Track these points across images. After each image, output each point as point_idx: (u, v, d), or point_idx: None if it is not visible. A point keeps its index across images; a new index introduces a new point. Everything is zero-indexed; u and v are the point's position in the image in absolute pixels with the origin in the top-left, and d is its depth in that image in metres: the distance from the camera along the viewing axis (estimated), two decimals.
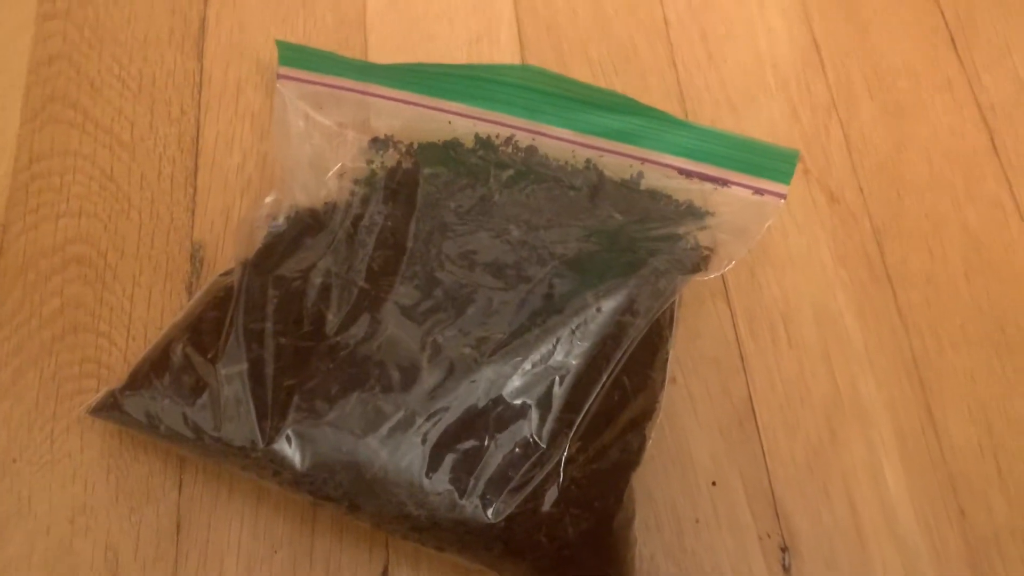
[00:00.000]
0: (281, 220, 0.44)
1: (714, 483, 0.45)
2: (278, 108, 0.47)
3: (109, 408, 0.41)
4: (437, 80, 0.46)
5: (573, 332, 0.40)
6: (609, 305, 0.40)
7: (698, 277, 0.44)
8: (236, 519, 0.43)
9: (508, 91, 0.46)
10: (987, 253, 0.52)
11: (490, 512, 0.37)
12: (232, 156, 0.51)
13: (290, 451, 0.37)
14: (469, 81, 0.45)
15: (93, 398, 0.42)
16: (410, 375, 0.39)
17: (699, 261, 0.44)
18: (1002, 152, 0.55)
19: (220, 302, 0.42)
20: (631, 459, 0.41)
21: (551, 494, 0.37)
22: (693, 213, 0.46)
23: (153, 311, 0.47)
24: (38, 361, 0.45)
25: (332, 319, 0.40)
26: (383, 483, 0.37)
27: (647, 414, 0.42)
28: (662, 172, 0.46)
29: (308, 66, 0.47)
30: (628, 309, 0.41)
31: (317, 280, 0.41)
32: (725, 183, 0.46)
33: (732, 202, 0.46)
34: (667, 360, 0.43)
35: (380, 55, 0.54)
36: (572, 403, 0.39)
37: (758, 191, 0.46)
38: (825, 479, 0.46)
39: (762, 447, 0.46)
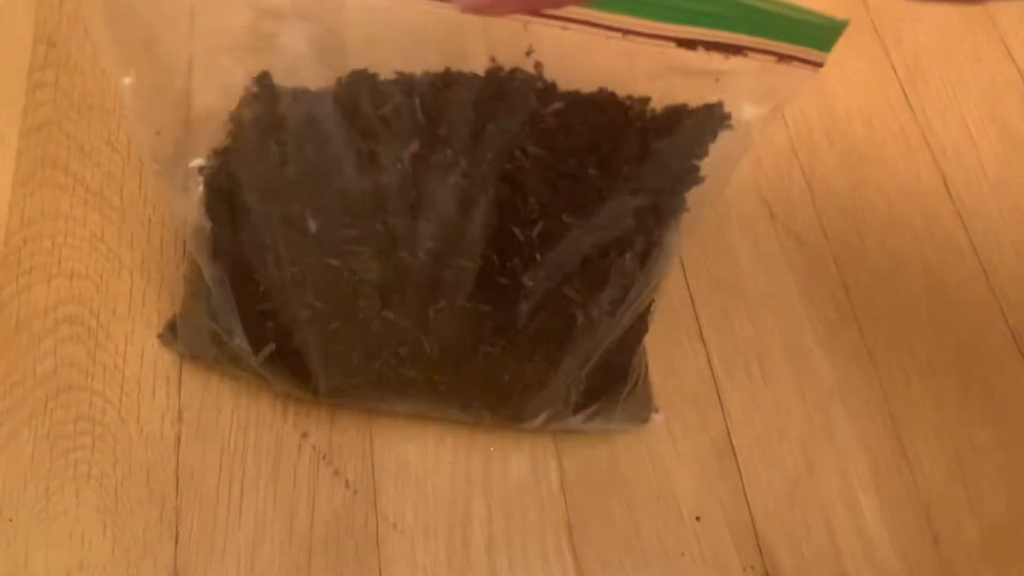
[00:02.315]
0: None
1: (698, 518, 0.47)
2: None
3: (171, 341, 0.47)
4: None
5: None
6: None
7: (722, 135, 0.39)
8: (232, 568, 0.43)
9: None
10: (946, 288, 0.54)
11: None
12: None
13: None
14: None
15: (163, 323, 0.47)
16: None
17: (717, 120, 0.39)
18: (955, 193, 0.58)
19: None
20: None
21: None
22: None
23: (146, 368, 0.48)
24: (32, 420, 0.46)
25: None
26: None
27: None
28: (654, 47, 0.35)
29: None
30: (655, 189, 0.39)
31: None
32: (739, 50, 0.35)
33: (747, 70, 0.36)
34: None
35: None
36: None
37: (783, 58, 0.36)
38: (804, 511, 0.47)
39: (742, 481, 0.48)
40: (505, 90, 0.38)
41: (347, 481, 0.46)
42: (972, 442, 0.50)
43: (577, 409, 0.44)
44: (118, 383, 0.47)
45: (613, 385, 0.44)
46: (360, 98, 0.37)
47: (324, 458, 0.46)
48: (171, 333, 0.47)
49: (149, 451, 0.46)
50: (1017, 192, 0.59)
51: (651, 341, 0.50)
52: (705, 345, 0.51)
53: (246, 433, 0.47)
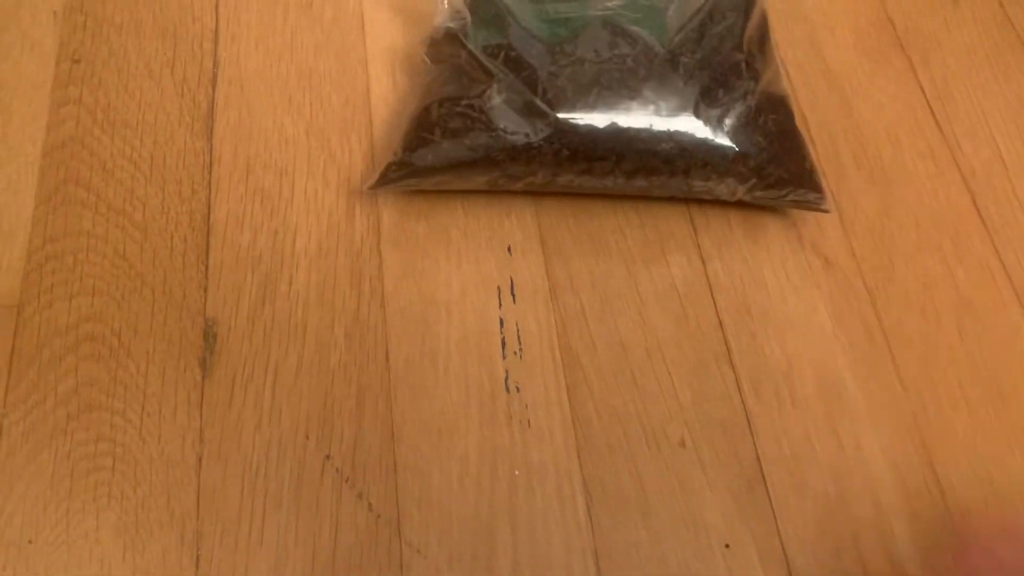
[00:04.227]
0: (441, 20, 0.54)
1: (727, 545, 0.46)
2: None
3: (395, 175, 0.51)
4: None
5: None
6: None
7: None
8: None
9: None
10: (978, 312, 0.53)
11: (726, 128, 0.50)
12: (243, 234, 0.52)
13: (569, 125, 0.49)
14: None
15: (371, 178, 0.52)
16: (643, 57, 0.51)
17: None
18: (985, 215, 0.57)
19: (448, 77, 0.52)
20: (782, 93, 0.54)
21: (753, 105, 0.51)
22: None
23: (167, 388, 0.47)
24: (53, 440, 0.45)
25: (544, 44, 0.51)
26: (643, 133, 0.50)
27: (776, 70, 0.55)
28: None
29: None
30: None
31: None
32: None
33: None
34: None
35: (384, 136, 0.56)
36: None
37: None
38: (836, 539, 0.46)
39: (772, 509, 0.47)
40: None
41: (370, 504, 0.45)
42: (1008, 472, 0.48)
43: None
44: (139, 403, 0.47)
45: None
46: None
47: (347, 481, 0.45)
48: (396, 172, 0.51)
49: (170, 472, 0.45)
50: None
51: (678, 367, 0.50)
52: (734, 370, 0.50)
53: (268, 454, 0.46)
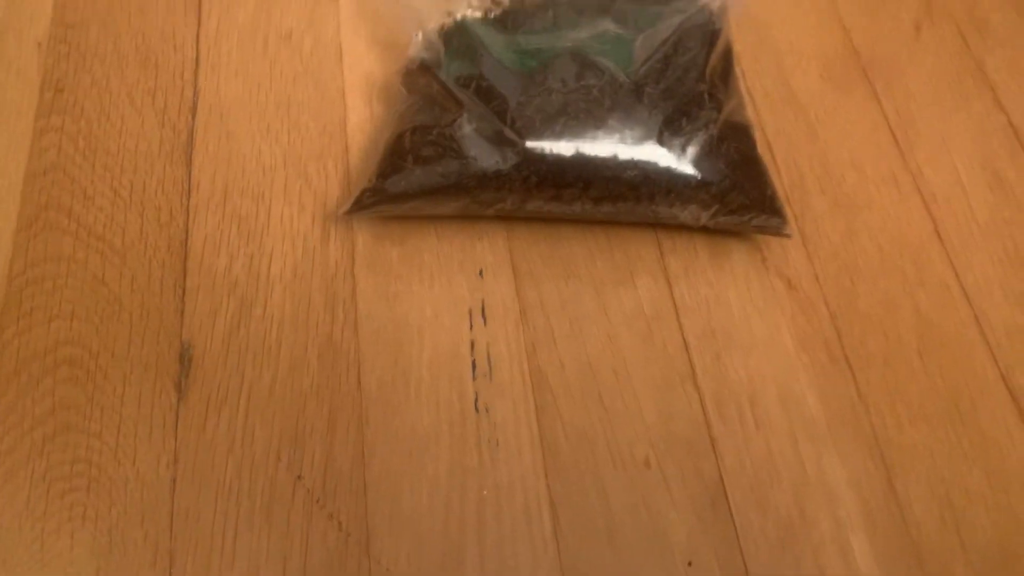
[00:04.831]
0: (416, 50, 0.56)
1: (690, 563, 0.47)
2: None
3: (369, 201, 0.52)
4: None
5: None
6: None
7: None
8: None
9: None
10: (938, 333, 0.55)
11: (689, 156, 0.52)
12: (220, 258, 0.53)
13: (536, 154, 0.51)
14: None
15: (346, 203, 0.53)
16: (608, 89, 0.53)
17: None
18: (945, 238, 0.59)
19: (421, 107, 0.54)
20: (745, 122, 0.56)
21: (715, 134, 0.53)
22: None
23: (143, 410, 0.48)
24: (29, 462, 0.46)
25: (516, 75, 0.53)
26: (608, 161, 0.51)
27: (740, 100, 0.57)
28: None
29: None
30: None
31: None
32: None
33: None
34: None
35: (360, 164, 0.57)
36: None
37: None
38: (797, 556, 0.47)
39: (735, 526, 0.48)
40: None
41: (340, 524, 0.46)
42: (966, 489, 0.50)
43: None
44: (115, 425, 0.48)
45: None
46: None
47: (318, 501, 0.46)
48: (369, 198, 0.52)
49: (144, 493, 0.46)
50: (1007, 238, 0.59)
51: (645, 387, 0.51)
52: (699, 391, 0.52)
53: (240, 475, 0.47)
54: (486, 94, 0.52)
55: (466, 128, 0.51)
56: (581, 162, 0.51)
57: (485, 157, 0.51)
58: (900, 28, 0.70)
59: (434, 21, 0.57)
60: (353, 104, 0.60)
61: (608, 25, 0.56)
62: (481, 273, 0.54)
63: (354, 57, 0.62)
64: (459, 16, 0.57)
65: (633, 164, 0.51)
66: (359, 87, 0.61)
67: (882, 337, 0.54)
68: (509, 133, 0.51)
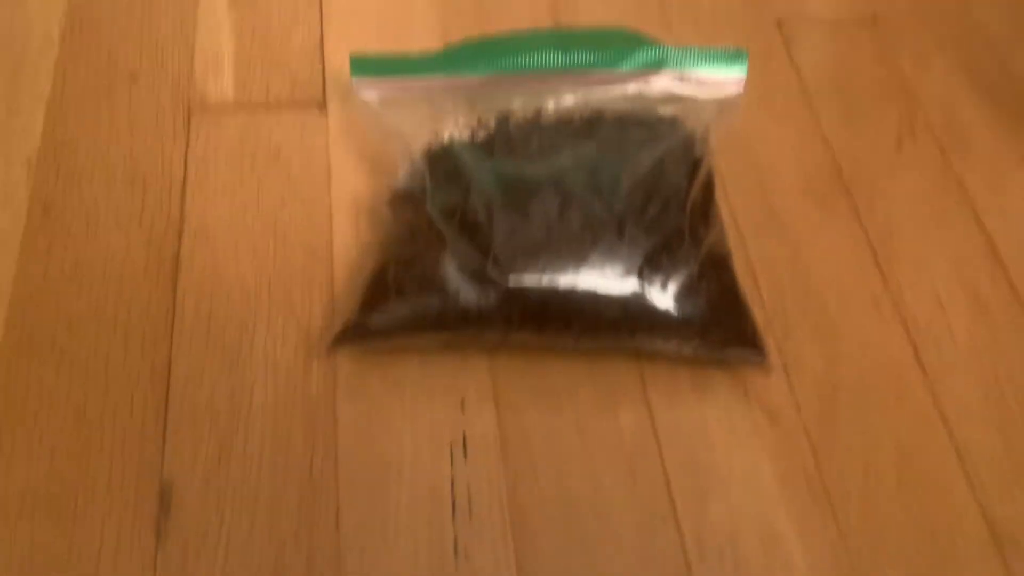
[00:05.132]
0: (403, 176, 0.58)
1: None
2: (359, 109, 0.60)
3: (351, 337, 0.53)
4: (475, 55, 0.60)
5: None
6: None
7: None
8: None
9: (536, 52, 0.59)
10: (918, 465, 0.55)
11: (669, 292, 0.52)
12: (202, 389, 0.53)
13: (519, 292, 0.51)
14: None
15: (328, 335, 0.54)
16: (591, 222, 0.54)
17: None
18: (927, 365, 0.59)
19: (406, 239, 0.55)
20: (725, 253, 0.57)
21: (695, 270, 0.53)
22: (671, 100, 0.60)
23: (122, 552, 0.48)
24: None
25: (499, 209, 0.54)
26: (590, 298, 0.52)
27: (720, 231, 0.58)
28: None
29: (377, 71, 0.60)
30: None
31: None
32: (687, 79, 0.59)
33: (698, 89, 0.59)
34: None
35: (344, 290, 0.58)
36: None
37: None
38: None
39: None
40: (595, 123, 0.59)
41: None
42: None
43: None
44: (93, 565, 0.48)
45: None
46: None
47: None
48: (351, 333, 0.53)
49: None
50: (987, 363, 0.60)
51: (626, 526, 0.51)
52: (679, 528, 0.52)
53: None
54: (470, 228, 0.53)
55: (448, 266, 0.52)
56: (563, 300, 0.52)
57: (467, 295, 0.51)
58: (882, 143, 0.71)
59: (422, 139, 0.58)
60: (340, 225, 0.61)
61: (591, 152, 0.57)
62: (463, 403, 0.54)
63: (342, 175, 0.63)
64: (446, 136, 0.58)
65: (614, 301, 0.52)
66: (346, 207, 0.61)
67: (861, 470, 0.55)
68: (492, 272, 0.51)
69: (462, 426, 0.54)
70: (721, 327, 0.53)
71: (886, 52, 0.76)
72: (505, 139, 0.58)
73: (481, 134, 0.58)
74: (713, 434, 0.55)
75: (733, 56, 0.60)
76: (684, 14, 0.76)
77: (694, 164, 0.57)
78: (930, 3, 0.80)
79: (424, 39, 0.72)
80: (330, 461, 0.52)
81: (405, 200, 0.56)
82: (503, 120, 0.58)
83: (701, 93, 0.59)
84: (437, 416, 0.54)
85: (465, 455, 0.53)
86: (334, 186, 0.62)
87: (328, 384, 0.54)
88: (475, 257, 0.52)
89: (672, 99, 0.59)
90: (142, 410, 0.52)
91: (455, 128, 0.58)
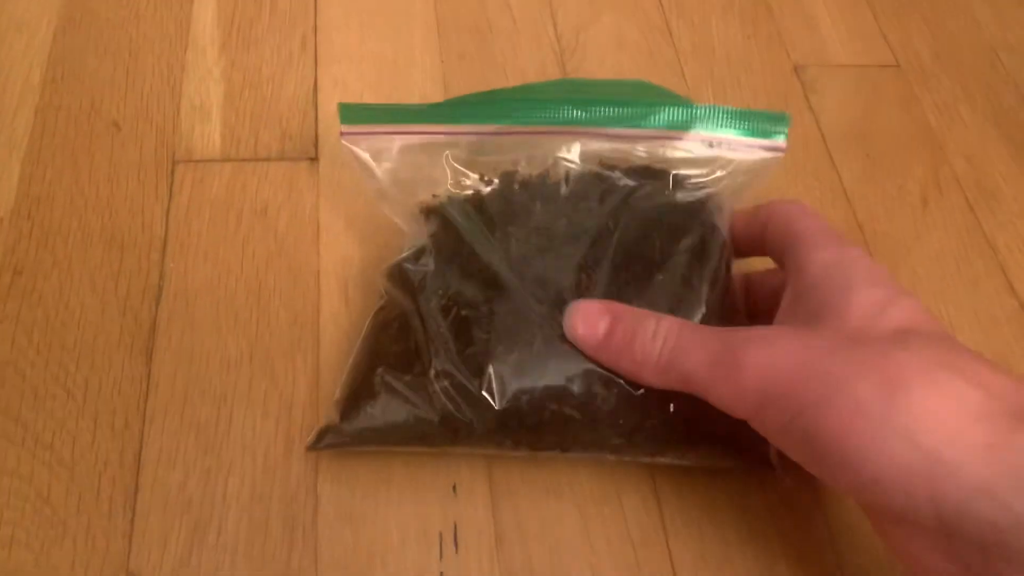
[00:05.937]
0: (408, 255, 0.52)
1: None
2: (350, 162, 0.53)
3: (331, 441, 0.48)
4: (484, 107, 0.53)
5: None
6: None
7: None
8: None
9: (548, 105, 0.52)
10: None
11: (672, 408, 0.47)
12: (174, 473, 0.50)
13: (512, 415, 0.45)
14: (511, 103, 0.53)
15: (309, 437, 0.50)
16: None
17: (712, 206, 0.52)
18: None
19: (398, 331, 0.49)
20: None
21: None
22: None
23: None
24: None
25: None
26: (588, 425, 0.46)
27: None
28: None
29: (369, 120, 0.53)
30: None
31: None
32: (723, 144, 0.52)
33: (733, 157, 0.52)
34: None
35: (330, 362, 0.54)
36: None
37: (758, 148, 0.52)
38: None
39: None
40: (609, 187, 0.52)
41: None
42: None
43: None
44: None
45: None
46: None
47: None
48: (331, 438, 0.49)
49: None
50: None
51: None
52: None
53: None
54: (464, 331, 0.47)
55: (437, 384, 0.46)
56: (560, 424, 0.46)
57: (456, 414, 0.46)
58: (906, 200, 0.67)
59: (417, 199, 0.54)
60: (327, 290, 0.57)
61: (606, 246, 0.50)
62: (455, 488, 0.51)
63: (331, 236, 0.59)
64: (445, 198, 0.53)
65: (616, 426, 0.47)
66: (335, 271, 0.58)
67: (881, 565, 0.50)
68: (484, 395, 0.46)
69: (453, 514, 0.50)
70: (732, 442, 0.48)
71: (910, 100, 0.72)
72: (508, 211, 0.51)
73: (483, 198, 0.52)
74: (724, 522, 0.51)
75: (772, 119, 0.52)
76: (698, 60, 0.73)
77: (716, 267, 0.50)
78: (955, 49, 0.77)
79: (424, 87, 0.68)
80: (309, 552, 0.48)
81: (403, 283, 0.50)
82: (507, 184, 0.52)
83: (732, 159, 0.52)
84: (427, 502, 0.50)
85: (456, 547, 0.49)
86: (323, 245, 0.59)
87: (310, 466, 0.50)
88: (467, 377, 0.46)
89: (697, 163, 0.52)
90: (109, 496, 0.49)
91: (455, 188, 0.53)
